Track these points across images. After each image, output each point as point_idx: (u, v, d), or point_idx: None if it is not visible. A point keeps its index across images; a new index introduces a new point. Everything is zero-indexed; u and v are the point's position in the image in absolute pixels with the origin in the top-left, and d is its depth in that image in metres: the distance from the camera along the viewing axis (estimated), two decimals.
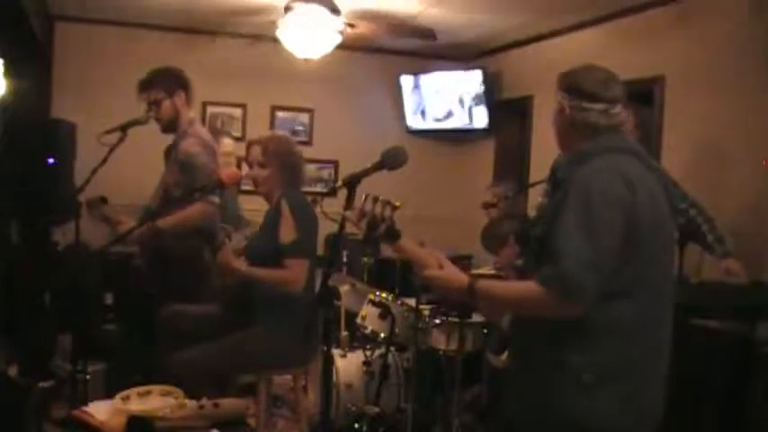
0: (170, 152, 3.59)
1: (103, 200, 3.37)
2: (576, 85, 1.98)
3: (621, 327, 1.85)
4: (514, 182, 4.79)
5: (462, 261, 4.51)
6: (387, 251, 5.52)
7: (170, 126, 3.59)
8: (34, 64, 5.17)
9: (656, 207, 1.88)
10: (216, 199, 3.42)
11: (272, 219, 3.07)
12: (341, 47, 5.01)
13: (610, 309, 1.81)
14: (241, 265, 3.02)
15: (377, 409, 3.79)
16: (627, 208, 1.81)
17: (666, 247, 1.95)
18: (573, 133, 2.00)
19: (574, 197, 1.81)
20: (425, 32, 5.05)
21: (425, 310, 3.89)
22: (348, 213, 2.11)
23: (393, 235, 2.12)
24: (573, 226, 1.77)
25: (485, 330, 3.81)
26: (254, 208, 3.94)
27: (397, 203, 2.12)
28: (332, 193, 2.29)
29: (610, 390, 1.84)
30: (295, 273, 2.97)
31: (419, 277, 1.98)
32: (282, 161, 3.13)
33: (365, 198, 2.11)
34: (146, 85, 3.54)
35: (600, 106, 1.96)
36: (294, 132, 6.11)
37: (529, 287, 1.80)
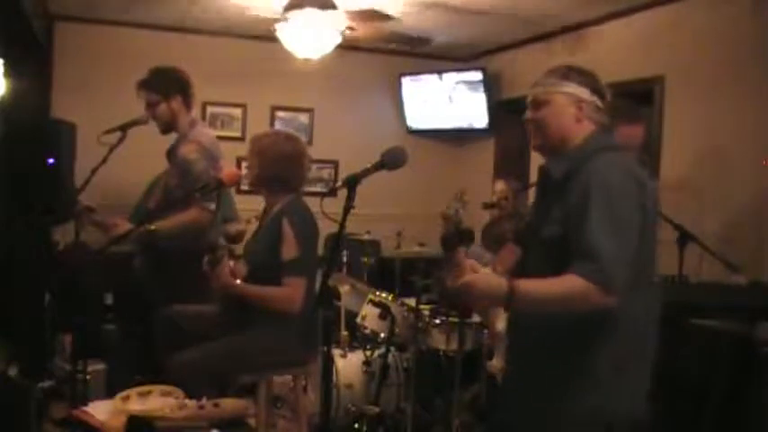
0: (171, 154, 3.59)
1: (90, 209, 3.38)
2: (594, 83, 2.05)
3: (630, 319, 1.93)
4: (517, 180, 4.78)
5: None
6: (388, 251, 5.53)
7: (168, 128, 3.59)
8: (34, 64, 5.16)
9: (654, 204, 1.97)
10: (212, 205, 3.41)
11: (273, 232, 3.04)
12: (341, 47, 5.01)
13: (622, 302, 1.87)
14: (237, 283, 3.02)
15: (377, 409, 3.79)
16: (639, 206, 1.90)
17: (656, 241, 2.04)
18: (579, 127, 2.03)
19: (597, 196, 1.87)
20: (419, 40, 5.06)
21: (425, 310, 3.89)
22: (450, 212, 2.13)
23: (468, 237, 2.12)
24: (601, 224, 1.84)
25: (485, 331, 3.81)
26: (254, 208, 3.93)
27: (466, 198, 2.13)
28: (332, 193, 2.29)
29: (619, 382, 1.93)
30: (292, 292, 2.96)
31: (455, 285, 1.92)
32: (266, 159, 3.09)
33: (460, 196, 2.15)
34: (143, 86, 3.53)
35: (603, 106, 2.05)
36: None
37: (572, 284, 1.83)
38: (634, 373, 1.96)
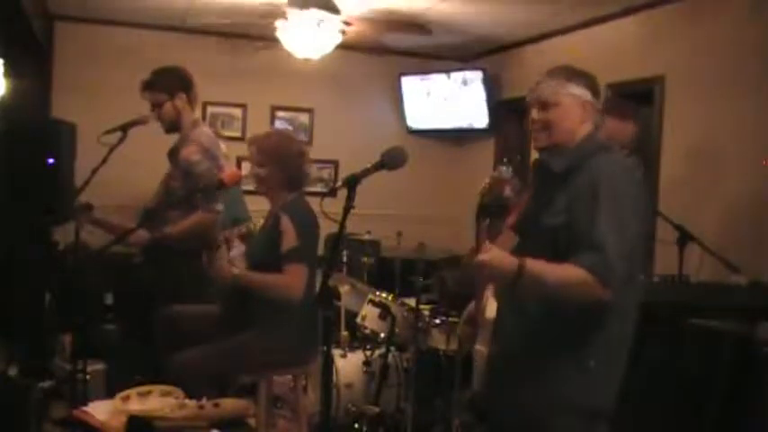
0: (173, 155, 3.59)
1: (89, 206, 3.39)
2: (594, 85, 2.11)
3: (624, 313, 2.00)
4: (517, 180, 4.78)
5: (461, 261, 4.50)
6: (388, 251, 5.52)
7: (172, 127, 3.60)
8: (34, 64, 5.16)
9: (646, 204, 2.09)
10: (219, 207, 3.42)
11: (272, 230, 3.03)
12: (341, 47, 5.01)
13: (619, 296, 1.93)
14: (236, 271, 3.00)
15: (377, 409, 3.79)
16: (639, 206, 2.00)
17: (650, 240, 2.13)
18: (582, 128, 2.08)
19: (604, 194, 1.94)
20: (421, 28, 5.06)
21: (425, 310, 3.89)
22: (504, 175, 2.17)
23: (503, 212, 2.18)
24: (608, 220, 1.91)
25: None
26: (255, 208, 3.93)
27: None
28: (332, 193, 2.29)
29: (607, 372, 2.00)
30: (293, 278, 2.94)
31: (472, 263, 1.96)
32: (279, 160, 3.07)
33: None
34: (147, 86, 3.54)
35: (599, 107, 2.12)
36: (294, 132, 6.11)
37: (574, 273, 1.89)
38: (622, 366, 2.04)
